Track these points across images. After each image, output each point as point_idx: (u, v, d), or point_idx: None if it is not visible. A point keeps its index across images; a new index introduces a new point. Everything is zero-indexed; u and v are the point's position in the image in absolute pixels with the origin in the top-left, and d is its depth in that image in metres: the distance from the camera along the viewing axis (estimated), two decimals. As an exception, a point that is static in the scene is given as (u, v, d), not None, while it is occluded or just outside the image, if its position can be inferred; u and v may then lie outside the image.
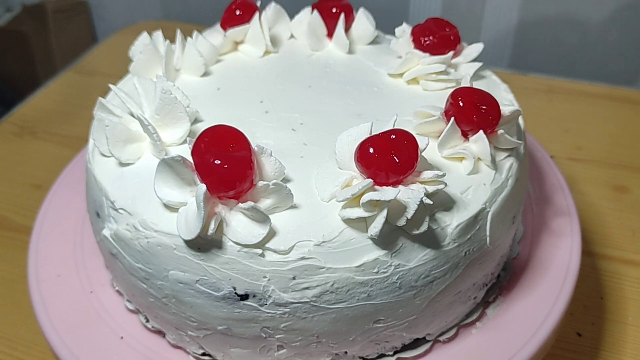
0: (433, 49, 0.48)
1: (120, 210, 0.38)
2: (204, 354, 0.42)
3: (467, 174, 0.40)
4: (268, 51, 0.53)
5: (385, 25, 0.57)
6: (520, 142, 0.42)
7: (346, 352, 0.40)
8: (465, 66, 0.49)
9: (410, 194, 0.35)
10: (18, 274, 0.59)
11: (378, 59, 0.52)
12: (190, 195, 0.36)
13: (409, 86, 0.49)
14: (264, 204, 0.36)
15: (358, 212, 0.35)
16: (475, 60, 0.50)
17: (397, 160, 0.35)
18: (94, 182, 0.41)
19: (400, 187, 0.35)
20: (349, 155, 0.37)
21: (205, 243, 0.35)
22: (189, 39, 0.51)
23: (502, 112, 0.40)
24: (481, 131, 0.40)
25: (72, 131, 0.81)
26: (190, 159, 0.35)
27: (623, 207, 0.66)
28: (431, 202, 0.35)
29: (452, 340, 0.43)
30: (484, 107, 0.40)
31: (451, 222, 0.37)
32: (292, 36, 0.56)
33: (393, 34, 0.53)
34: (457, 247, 0.38)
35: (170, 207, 0.37)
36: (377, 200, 0.34)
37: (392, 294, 0.37)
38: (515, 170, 0.42)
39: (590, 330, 0.54)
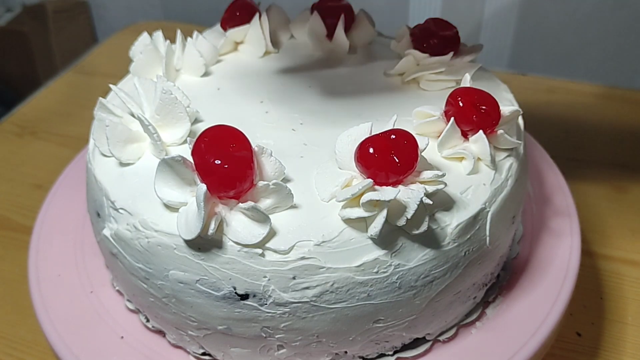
0: (433, 49, 0.48)
1: (120, 210, 0.39)
2: (204, 354, 0.42)
3: (466, 174, 0.40)
4: (268, 51, 0.54)
5: (385, 25, 0.57)
6: (520, 142, 0.42)
7: (346, 352, 0.40)
8: (464, 66, 0.49)
9: (410, 194, 0.35)
10: (18, 274, 0.59)
11: (378, 59, 0.52)
12: (190, 195, 0.36)
13: (409, 86, 0.49)
14: (264, 204, 0.36)
15: (358, 212, 0.35)
16: (475, 60, 0.50)
17: (397, 160, 0.35)
18: (95, 182, 0.41)
19: (400, 187, 0.35)
20: (349, 155, 0.37)
21: (205, 243, 0.35)
22: (189, 39, 0.51)
23: (501, 112, 0.40)
24: (481, 131, 0.40)
25: (72, 131, 0.81)
26: (191, 159, 0.35)
27: (623, 207, 0.66)
28: (431, 202, 0.35)
29: (452, 340, 0.44)
30: (484, 107, 0.40)
31: (451, 222, 0.37)
32: (292, 36, 0.56)
33: (393, 34, 0.53)
34: (457, 247, 0.38)
35: (170, 207, 0.37)
36: (377, 200, 0.34)
37: (392, 294, 0.37)
38: (515, 170, 0.42)
39: (590, 330, 0.54)
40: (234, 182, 0.34)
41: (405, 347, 0.42)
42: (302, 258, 0.35)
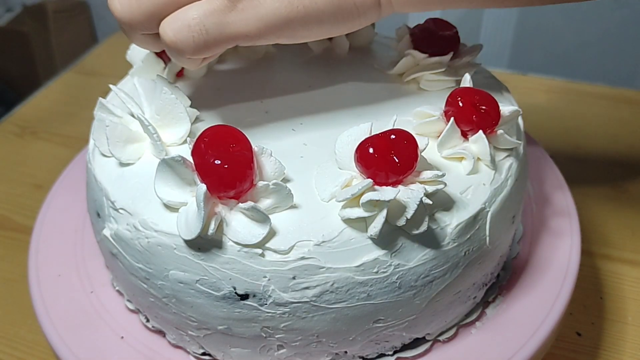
0: (433, 49, 0.48)
1: (120, 210, 0.39)
2: (204, 354, 0.42)
3: (466, 174, 0.40)
4: (268, 51, 0.54)
5: (385, 25, 0.57)
6: (519, 142, 0.42)
7: (346, 352, 0.40)
8: (465, 66, 0.49)
9: (410, 194, 0.35)
10: (18, 274, 0.59)
11: (378, 59, 0.52)
12: (190, 195, 0.36)
13: (409, 86, 0.49)
14: (264, 204, 0.36)
15: (358, 212, 0.35)
16: (474, 60, 0.50)
17: (397, 160, 0.35)
18: (94, 182, 0.41)
19: (400, 187, 0.35)
20: (349, 155, 0.37)
21: (205, 243, 0.35)
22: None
23: (501, 112, 0.40)
24: (481, 131, 0.40)
25: (72, 131, 0.81)
26: (191, 159, 0.35)
27: (623, 207, 0.66)
28: (431, 202, 0.35)
29: (452, 340, 0.44)
30: (484, 107, 0.40)
31: (451, 222, 0.37)
32: (292, 36, 0.56)
33: (393, 34, 0.53)
34: (457, 247, 0.38)
35: (170, 207, 0.37)
36: (377, 200, 0.34)
37: (391, 294, 0.37)
38: (514, 170, 0.42)
39: (589, 329, 0.54)
40: (234, 182, 0.34)
41: (405, 347, 0.42)
42: (302, 258, 0.35)
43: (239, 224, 0.35)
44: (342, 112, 0.46)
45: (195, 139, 0.36)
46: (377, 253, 0.36)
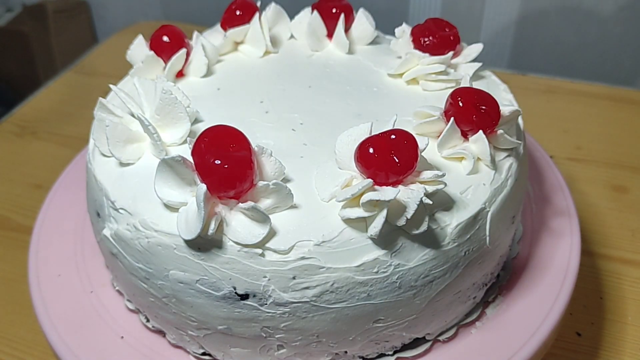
0: (433, 49, 0.48)
1: (120, 210, 0.39)
2: (204, 354, 0.42)
3: (466, 174, 0.40)
4: (268, 51, 0.54)
5: (385, 25, 0.57)
6: (519, 142, 0.42)
7: (346, 352, 0.40)
8: (464, 66, 0.49)
9: (410, 194, 0.35)
10: (18, 274, 0.59)
11: (378, 59, 0.52)
12: (190, 195, 0.36)
13: (409, 86, 0.49)
14: (264, 203, 0.36)
15: (358, 212, 0.35)
16: (474, 60, 0.50)
17: (397, 160, 0.35)
18: (95, 182, 0.41)
19: (400, 187, 0.35)
20: (349, 155, 0.37)
21: (205, 243, 0.35)
22: (193, 39, 0.51)
23: (501, 112, 0.40)
24: (481, 131, 0.40)
25: (72, 131, 0.81)
26: (191, 159, 0.35)
27: (623, 207, 0.66)
28: (431, 202, 0.35)
29: (452, 340, 0.44)
30: (484, 107, 0.40)
31: (451, 222, 0.37)
32: (292, 36, 0.56)
33: (393, 34, 0.53)
34: (457, 247, 0.38)
35: (170, 207, 0.37)
36: (377, 200, 0.34)
37: (391, 294, 0.37)
38: (514, 170, 0.42)
39: (589, 329, 0.54)
40: (234, 182, 0.34)
41: (405, 347, 0.42)
42: (302, 258, 0.35)
43: (239, 224, 0.35)
44: (342, 112, 0.46)
45: (195, 139, 0.36)
46: (377, 253, 0.36)
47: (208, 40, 0.51)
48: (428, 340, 0.43)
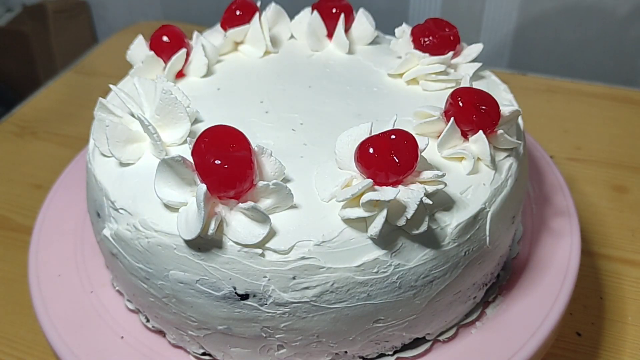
0: (433, 49, 0.48)
1: (120, 210, 0.39)
2: (204, 354, 0.42)
3: (466, 174, 0.40)
4: (268, 51, 0.54)
5: (385, 25, 0.57)
6: (519, 142, 0.42)
7: (346, 352, 0.40)
8: (464, 66, 0.49)
9: (410, 194, 0.35)
10: (18, 274, 0.59)
11: (378, 59, 0.52)
12: (190, 195, 0.36)
13: (409, 86, 0.49)
14: (264, 204, 0.36)
15: (358, 212, 0.35)
16: (474, 60, 0.50)
17: (397, 160, 0.35)
18: (95, 182, 0.41)
19: (400, 187, 0.35)
20: (349, 155, 0.37)
21: (205, 243, 0.35)
22: (193, 39, 0.51)
23: (501, 112, 0.40)
24: (481, 131, 0.40)
25: (72, 131, 0.81)
26: (191, 159, 0.35)
27: (623, 207, 0.66)
28: (431, 202, 0.35)
29: (452, 340, 0.44)
30: (484, 107, 0.40)
31: (451, 222, 0.37)
32: (292, 36, 0.56)
33: (393, 34, 0.53)
34: (457, 247, 0.38)
35: (170, 207, 0.37)
36: (377, 200, 0.34)
37: (391, 294, 0.37)
38: (514, 170, 0.42)
39: (589, 330, 0.54)
40: (234, 182, 0.34)
41: (405, 347, 0.42)
42: (302, 258, 0.35)
43: (239, 224, 0.35)
44: (342, 112, 0.46)
45: (195, 139, 0.36)
46: (377, 253, 0.36)
47: (208, 40, 0.51)
48: (428, 340, 0.43)
